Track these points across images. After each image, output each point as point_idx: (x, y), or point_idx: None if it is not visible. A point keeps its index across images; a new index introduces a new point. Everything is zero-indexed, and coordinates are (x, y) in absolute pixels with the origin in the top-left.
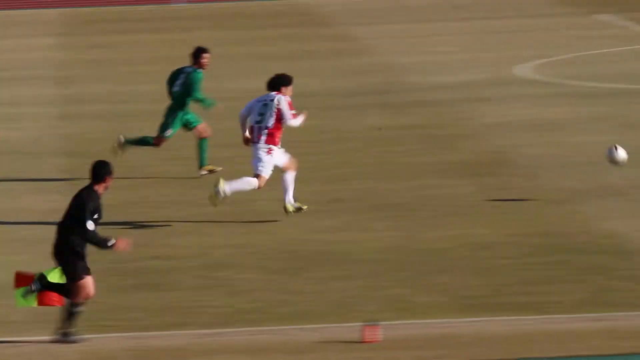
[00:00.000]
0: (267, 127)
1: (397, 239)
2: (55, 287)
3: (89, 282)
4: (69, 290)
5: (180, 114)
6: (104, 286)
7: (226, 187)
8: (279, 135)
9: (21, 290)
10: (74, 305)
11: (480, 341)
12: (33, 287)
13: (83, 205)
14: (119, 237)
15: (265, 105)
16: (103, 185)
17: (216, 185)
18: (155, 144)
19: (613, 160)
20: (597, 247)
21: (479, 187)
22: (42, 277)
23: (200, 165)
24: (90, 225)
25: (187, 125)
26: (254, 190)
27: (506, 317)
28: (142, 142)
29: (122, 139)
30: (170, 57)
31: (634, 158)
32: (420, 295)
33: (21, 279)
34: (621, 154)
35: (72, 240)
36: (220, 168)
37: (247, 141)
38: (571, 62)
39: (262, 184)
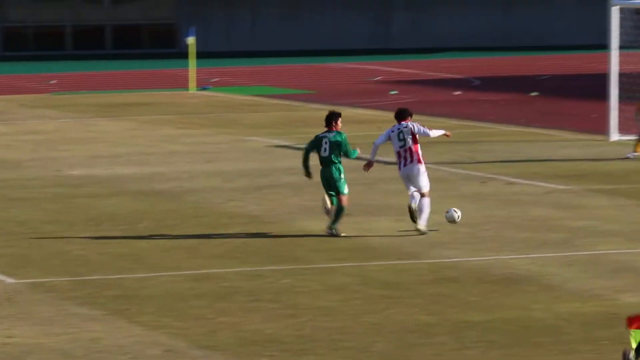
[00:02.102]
0: (411, 149)
1: None
2: None
3: None
4: None
5: None
6: None
7: (422, 224)
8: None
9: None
10: None
11: None
12: None
13: None
14: None
15: (401, 132)
16: None
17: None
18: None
19: (452, 219)
20: None
21: None
22: None
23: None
24: None
25: None
26: None
27: None
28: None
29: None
30: None
31: None
32: None
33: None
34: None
35: None
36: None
37: (369, 165)
38: None
39: None
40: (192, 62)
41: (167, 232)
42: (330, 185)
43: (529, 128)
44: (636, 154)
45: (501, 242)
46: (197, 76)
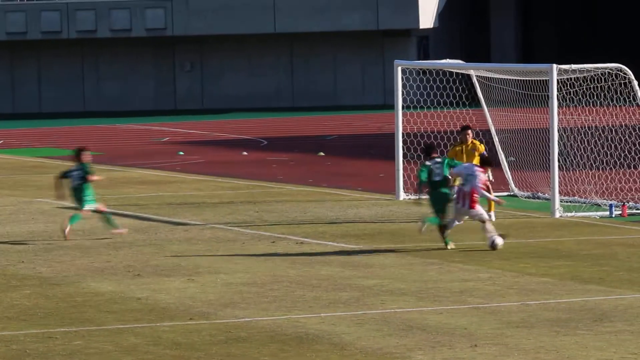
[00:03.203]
0: (469, 192)
1: None
2: None
3: None
4: None
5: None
6: None
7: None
8: None
9: None
10: None
11: None
12: None
13: None
14: None
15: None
16: None
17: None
18: None
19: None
20: None
21: None
22: None
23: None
24: None
25: None
26: None
27: None
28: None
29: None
30: None
31: None
32: None
33: None
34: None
35: None
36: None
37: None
38: None
39: None
40: None
41: None
42: (439, 204)
43: (317, 188)
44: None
45: (291, 302)
46: None
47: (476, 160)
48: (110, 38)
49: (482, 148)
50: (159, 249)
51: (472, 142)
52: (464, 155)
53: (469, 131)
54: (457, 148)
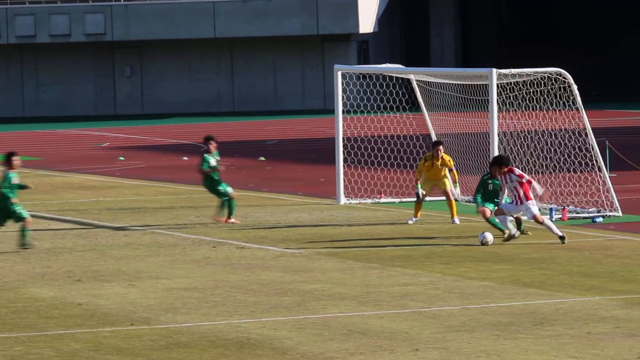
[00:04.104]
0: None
1: None
2: None
3: None
4: None
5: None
6: None
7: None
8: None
9: None
10: None
11: None
12: None
13: None
14: None
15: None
16: None
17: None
18: None
19: (485, 242)
20: None
21: None
22: None
23: None
24: None
25: None
26: None
27: None
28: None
29: None
30: None
31: None
32: None
33: None
34: (488, 237)
35: None
36: None
37: None
38: None
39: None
40: None
41: None
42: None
43: (258, 193)
44: (415, 219)
45: (232, 306)
46: None
47: (442, 172)
48: (50, 43)
49: (451, 163)
50: (99, 255)
51: (441, 157)
52: (433, 170)
53: (441, 147)
54: (427, 163)
